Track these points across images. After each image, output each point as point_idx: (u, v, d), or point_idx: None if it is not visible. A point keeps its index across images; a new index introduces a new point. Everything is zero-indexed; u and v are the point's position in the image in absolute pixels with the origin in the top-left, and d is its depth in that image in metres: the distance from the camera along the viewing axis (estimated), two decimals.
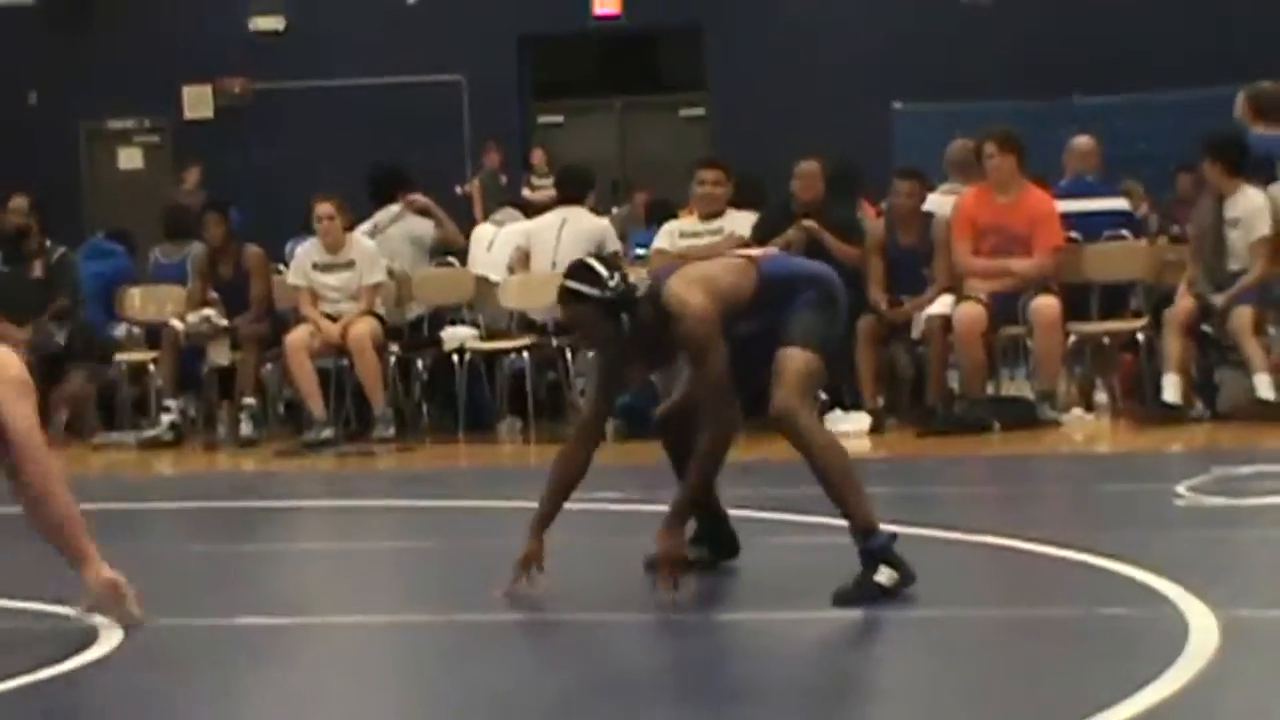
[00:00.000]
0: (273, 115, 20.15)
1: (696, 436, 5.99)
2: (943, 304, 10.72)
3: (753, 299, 5.94)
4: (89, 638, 5.59)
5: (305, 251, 11.61)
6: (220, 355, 11.64)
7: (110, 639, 5.60)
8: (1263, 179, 10.82)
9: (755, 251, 6.11)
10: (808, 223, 10.80)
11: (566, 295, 5.86)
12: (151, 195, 19.60)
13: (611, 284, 5.79)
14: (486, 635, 5.72)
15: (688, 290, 5.85)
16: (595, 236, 11.70)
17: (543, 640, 5.65)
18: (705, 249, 10.75)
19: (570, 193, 12.12)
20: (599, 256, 6.14)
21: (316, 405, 11.18)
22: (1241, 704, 4.55)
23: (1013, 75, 18.02)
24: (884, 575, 5.72)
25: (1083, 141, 11.94)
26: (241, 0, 20.56)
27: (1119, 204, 11.70)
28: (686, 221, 11.31)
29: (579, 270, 5.87)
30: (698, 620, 5.79)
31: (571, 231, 11.67)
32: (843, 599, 5.68)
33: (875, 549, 5.76)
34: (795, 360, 5.86)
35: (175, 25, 20.28)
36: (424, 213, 12.23)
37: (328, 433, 11.09)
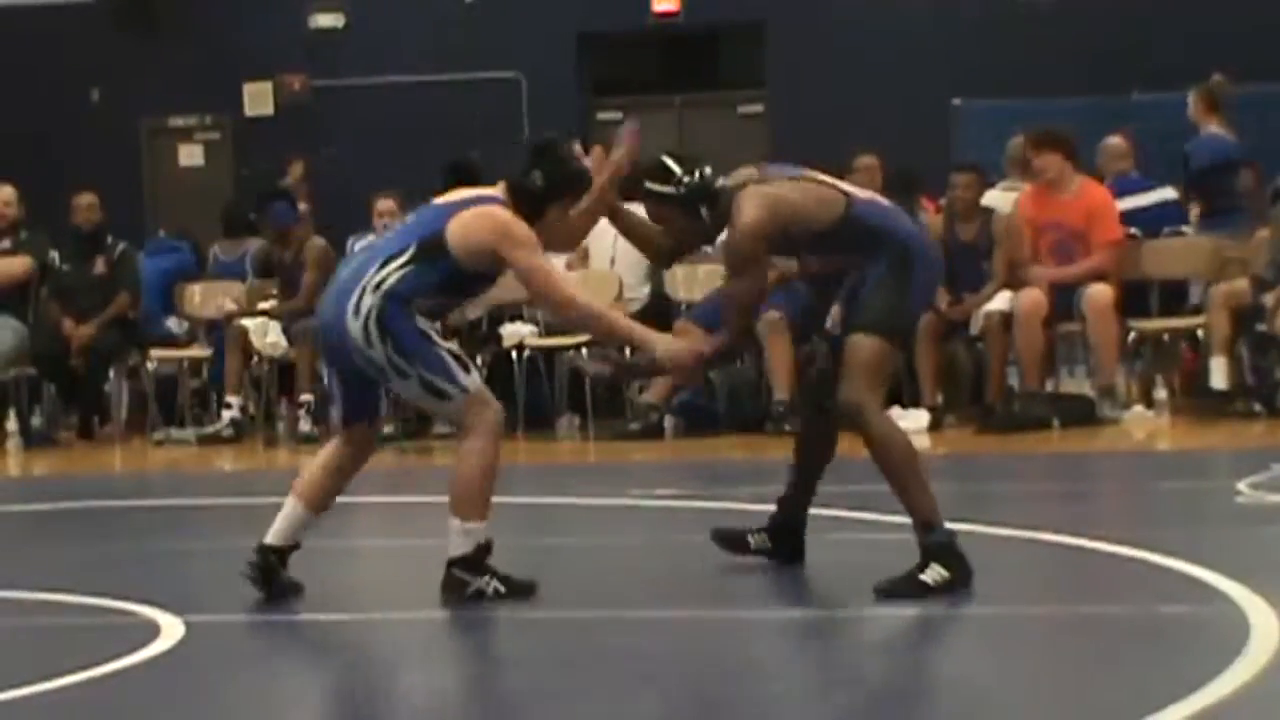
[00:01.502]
0: (332, 112, 20.21)
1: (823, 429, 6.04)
2: (1002, 300, 10.69)
3: (829, 233, 5.89)
4: (150, 634, 5.63)
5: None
6: (268, 336, 11.65)
7: (172, 634, 5.64)
8: (1224, 184, 10.96)
9: (856, 190, 6.03)
10: None
11: (646, 196, 6.05)
12: (212, 192, 19.69)
13: (686, 180, 5.97)
14: (543, 632, 5.73)
15: (749, 202, 5.88)
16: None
17: (599, 637, 5.65)
18: None
19: (626, 190, 12.08)
20: (675, 154, 6.19)
21: None
22: None
23: (1072, 72, 17.92)
24: (931, 574, 5.71)
25: (1116, 143, 11.76)
26: None
27: (1167, 194, 11.58)
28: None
29: (654, 169, 6.05)
30: (756, 617, 5.80)
31: None
32: (885, 592, 5.68)
33: (932, 545, 5.74)
34: (863, 350, 5.83)
35: (236, 23, 20.38)
36: None
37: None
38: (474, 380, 6.02)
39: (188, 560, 7.48)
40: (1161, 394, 10.92)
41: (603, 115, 21.27)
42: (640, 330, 6.11)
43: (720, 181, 6.01)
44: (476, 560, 6.03)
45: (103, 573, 7.01)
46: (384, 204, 11.54)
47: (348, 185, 17.61)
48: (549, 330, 11.80)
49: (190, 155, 21.53)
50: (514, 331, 11.69)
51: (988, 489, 8.78)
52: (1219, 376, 10.15)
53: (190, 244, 13.49)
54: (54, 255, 12.39)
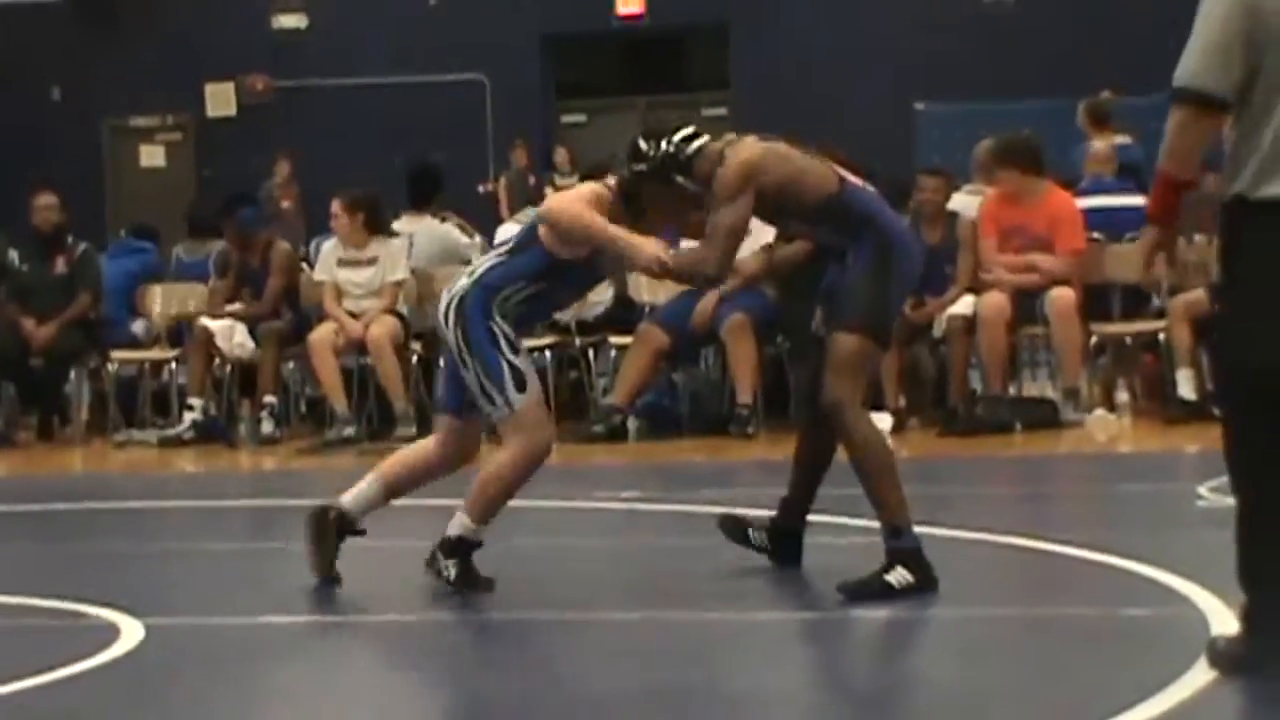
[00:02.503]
0: (295, 113, 20.18)
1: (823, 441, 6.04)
2: (965, 304, 10.71)
3: (819, 207, 5.90)
4: (109, 636, 5.60)
5: (331, 248, 11.63)
6: (233, 338, 11.63)
7: (132, 637, 5.61)
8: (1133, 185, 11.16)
9: (849, 175, 6.04)
10: None
11: (630, 179, 6.02)
12: (173, 192, 19.65)
13: (653, 154, 5.96)
14: (511, 633, 5.72)
15: (745, 148, 5.90)
16: None
17: (566, 639, 5.65)
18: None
19: None
20: (649, 129, 6.15)
21: (340, 402, 11.20)
22: (1260, 705, 4.54)
23: (1035, 75, 17.99)
24: (896, 576, 5.73)
25: (1101, 147, 11.97)
26: None
27: (1138, 200, 11.69)
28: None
29: (630, 151, 6.03)
30: (720, 619, 5.79)
31: None
32: (849, 591, 5.70)
33: (897, 549, 5.75)
34: (846, 346, 5.84)
35: (198, 23, 20.33)
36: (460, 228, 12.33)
37: (350, 430, 11.10)
38: (525, 400, 6.00)
39: (148, 562, 7.44)
40: (1123, 397, 10.95)
41: (567, 118, 21.28)
42: (619, 236, 5.97)
43: (697, 144, 5.96)
44: (455, 546, 6.10)
45: (62, 575, 6.97)
46: (333, 206, 11.51)
47: (311, 186, 17.59)
48: None
49: (152, 155, 21.48)
50: None
51: (950, 492, 8.79)
52: (1186, 387, 10.19)
53: (153, 242, 13.42)
54: (13, 255, 12.32)
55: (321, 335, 11.29)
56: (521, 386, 5.99)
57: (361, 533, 6.38)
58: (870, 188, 6.12)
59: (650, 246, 5.94)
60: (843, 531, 6.96)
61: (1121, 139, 12.52)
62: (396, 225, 11.95)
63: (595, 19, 20.30)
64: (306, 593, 6.64)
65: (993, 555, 6.67)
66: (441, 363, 6.43)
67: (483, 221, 13.76)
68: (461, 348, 6.02)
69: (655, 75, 21.19)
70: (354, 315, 11.38)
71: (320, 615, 6.12)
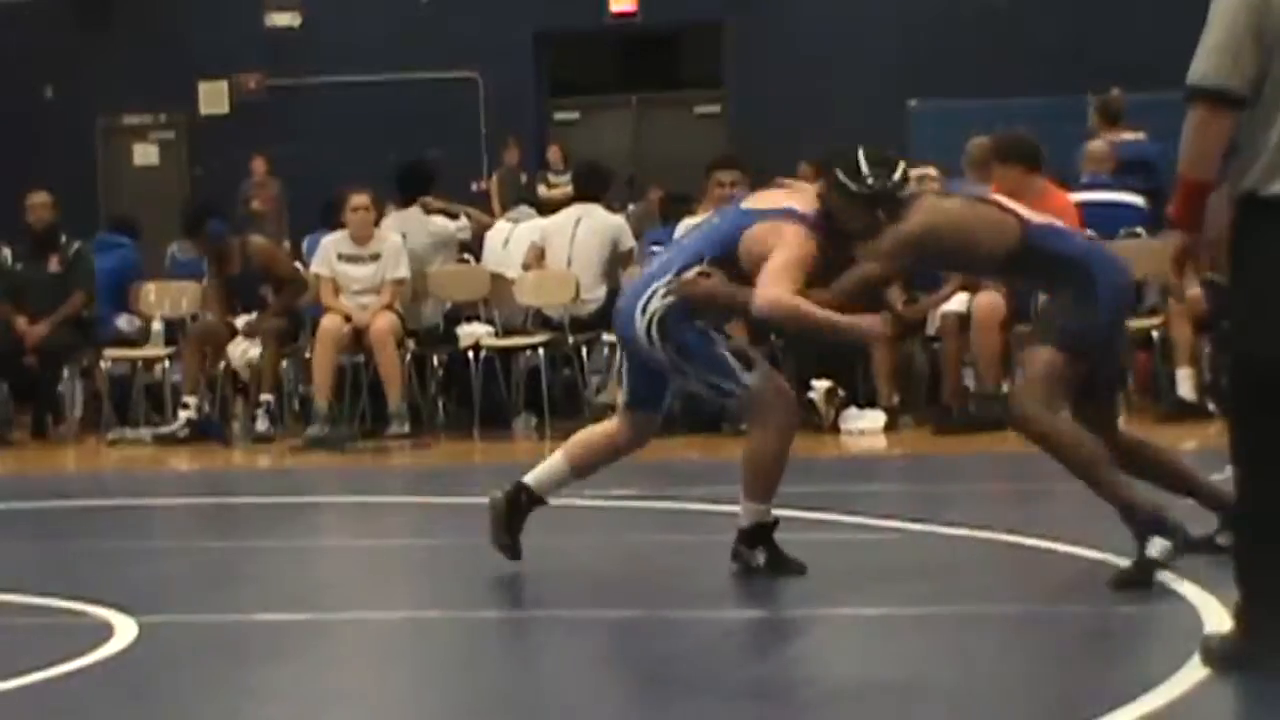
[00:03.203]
0: (288, 111, 20.16)
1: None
2: (958, 301, 10.71)
3: (999, 262, 5.98)
4: (103, 634, 5.60)
5: (332, 242, 11.60)
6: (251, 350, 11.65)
7: (125, 635, 5.61)
8: (1139, 183, 11.15)
9: (1031, 215, 6.08)
10: None
11: (832, 183, 6.05)
12: (166, 190, 19.64)
13: (872, 184, 6.00)
14: (501, 632, 5.72)
15: (919, 212, 5.97)
16: (611, 234, 11.73)
17: (558, 637, 5.65)
18: None
19: (589, 191, 12.14)
20: (872, 153, 6.11)
21: (324, 397, 11.17)
22: (1253, 703, 4.55)
23: (1028, 72, 17.99)
24: (1156, 547, 5.71)
25: (1098, 146, 11.99)
26: None
27: (1134, 199, 11.70)
28: (703, 218, 11.29)
29: (848, 162, 6.05)
30: (715, 617, 5.80)
31: (587, 228, 11.68)
32: (1123, 582, 5.69)
33: (1142, 522, 5.74)
34: (1040, 361, 5.88)
35: (191, 21, 20.31)
36: (444, 212, 12.27)
37: (326, 429, 11.07)
38: (756, 376, 6.08)
39: (142, 560, 7.44)
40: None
41: (560, 115, 21.27)
42: (833, 323, 6.05)
43: (907, 190, 6.06)
44: (753, 533, 6.15)
45: (55, 573, 6.97)
46: (359, 199, 11.50)
47: (305, 184, 17.58)
48: (505, 330, 11.79)
49: (145, 154, 21.46)
50: (470, 332, 11.67)
51: (943, 489, 8.79)
52: (1186, 386, 10.18)
53: (132, 237, 13.35)
54: (6, 253, 12.31)
55: (330, 327, 11.26)
56: (749, 366, 6.09)
57: (543, 502, 6.47)
58: (1056, 222, 6.18)
59: (866, 322, 6.09)
60: (835, 528, 6.97)
61: (1133, 135, 12.49)
62: (385, 222, 11.95)
63: (588, 17, 20.29)
64: (300, 591, 6.65)
65: (986, 552, 6.68)
66: (621, 362, 6.54)
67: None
68: (678, 361, 6.12)
69: (648, 73, 21.19)
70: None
71: (314, 613, 6.12)
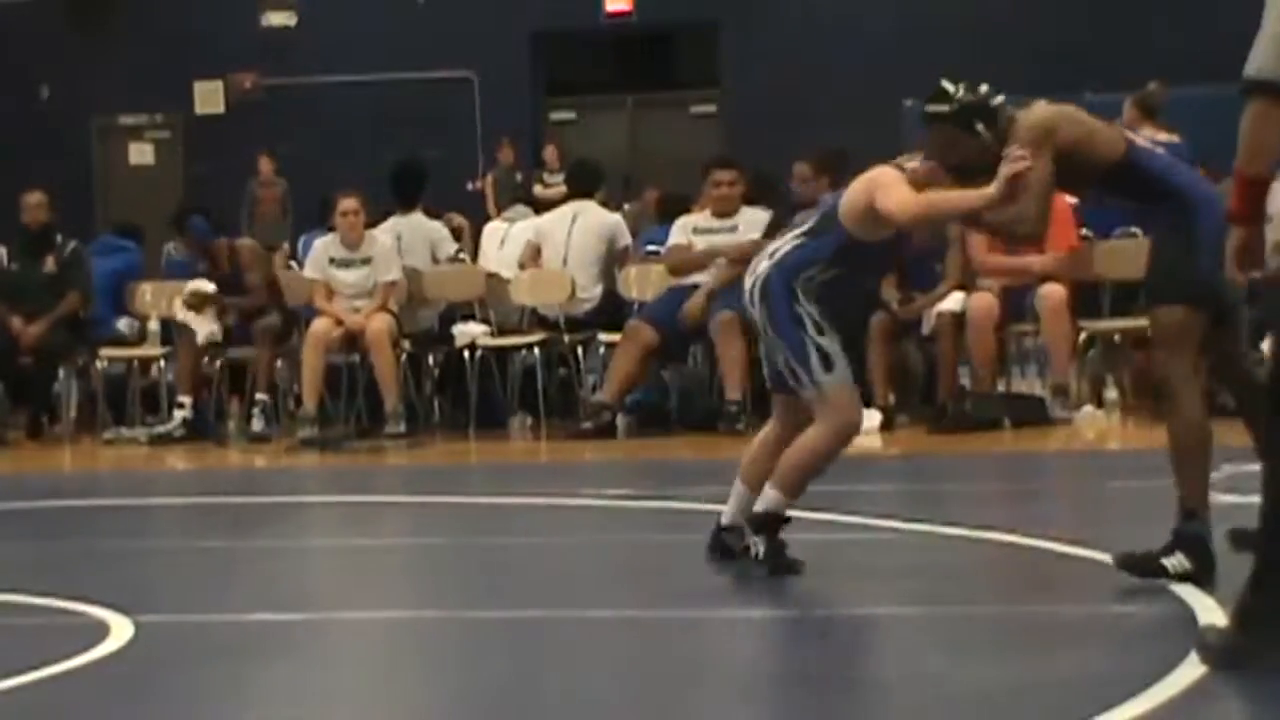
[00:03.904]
0: (284, 111, 20.16)
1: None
2: (954, 300, 10.72)
3: (1110, 172, 5.85)
4: (99, 634, 5.60)
5: (324, 246, 11.61)
6: (203, 327, 11.63)
7: (121, 635, 5.60)
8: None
9: (1134, 136, 6.04)
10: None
11: (926, 119, 6.01)
12: (162, 190, 19.62)
13: (960, 96, 5.94)
14: (496, 631, 5.72)
15: (1038, 109, 5.88)
16: (607, 232, 11.74)
17: (556, 636, 5.65)
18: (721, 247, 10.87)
19: (581, 188, 12.16)
20: (950, 79, 6.07)
21: (312, 400, 11.16)
22: (1250, 702, 4.55)
23: (1025, 72, 17.98)
24: (1174, 561, 5.64)
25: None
26: None
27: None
28: (699, 217, 11.32)
29: (933, 94, 6.00)
30: (710, 616, 5.80)
31: (582, 226, 11.69)
32: (1124, 563, 5.67)
33: (1182, 533, 5.67)
34: (1162, 320, 5.74)
35: (187, 21, 20.30)
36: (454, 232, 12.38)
37: (316, 430, 11.07)
38: (832, 379, 6.02)
39: (137, 560, 7.44)
40: (1112, 394, 10.96)
41: (555, 115, 21.27)
42: (961, 197, 5.98)
43: (998, 99, 5.94)
44: (763, 521, 6.11)
45: (52, 572, 6.97)
46: (348, 203, 11.50)
47: (300, 184, 17.58)
48: (501, 330, 11.79)
49: (141, 153, 21.44)
50: (465, 331, 11.67)
51: (940, 489, 8.79)
52: None
53: (136, 241, 13.38)
54: (2, 253, 12.31)
55: (319, 329, 11.26)
56: (829, 367, 6.03)
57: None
58: (1160, 150, 6.06)
59: (975, 192, 5.84)
60: (831, 528, 6.98)
61: (1168, 136, 12.27)
62: (387, 225, 11.94)
63: (584, 16, 20.28)
64: (295, 591, 6.65)
65: (981, 552, 6.68)
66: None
67: (471, 219, 13.75)
68: (767, 327, 6.11)
69: (644, 73, 21.18)
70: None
71: (310, 613, 6.12)
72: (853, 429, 6.12)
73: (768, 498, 6.13)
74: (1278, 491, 4.61)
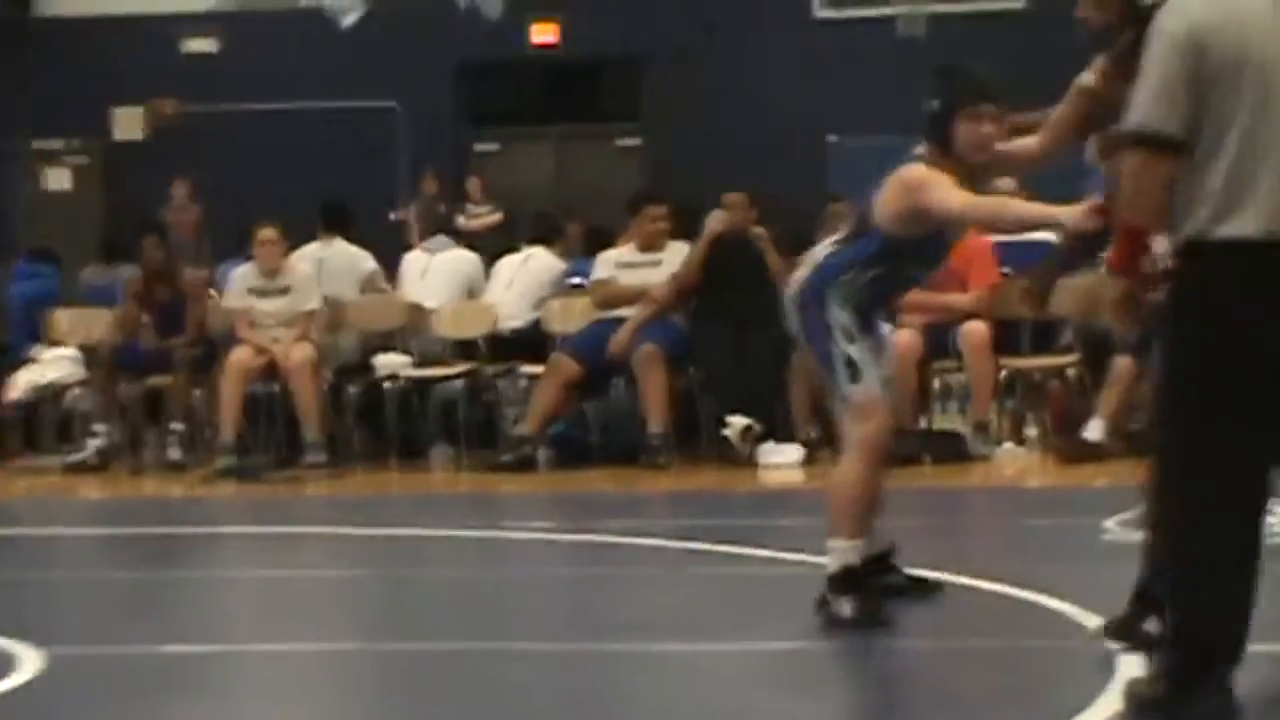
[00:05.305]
0: (205, 138, 20.02)
1: None
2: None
3: None
4: (9, 665, 5.52)
5: (242, 275, 11.55)
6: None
7: (31, 666, 5.52)
8: None
9: None
10: (758, 230, 10.93)
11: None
12: (80, 216, 19.44)
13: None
14: (412, 664, 5.68)
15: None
16: (552, 276, 11.93)
17: (472, 669, 5.61)
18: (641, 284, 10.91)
19: (540, 234, 12.49)
20: None
21: (230, 430, 11.08)
22: None
23: None
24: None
25: (1004, 183, 11.93)
26: (174, 22, 20.45)
27: (1048, 235, 11.73)
28: (624, 251, 11.34)
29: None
30: (625, 650, 5.77)
31: (532, 268, 11.95)
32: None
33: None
34: None
35: (107, 47, 20.14)
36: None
37: (234, 460, 10.99)
38: (858, 390, 5.82)
39: (49, 591, 7.35)
40: (1032, 431, 11.01)
41: (479, 146, 21.22)
42: (1039, 209, 5.93)
43: None
44: (842, 580, 5.81)
45: None
46: (266, 232, 11.45)
47: (220, 212, 17.47)
48: (423, 361, 11.74)
49: (58, 179, 21.24)
50: (387, 362, 11.62)
51: None
52: (1095, 431, 10.16)
53: (54, 266, 13.24)
54: None
55: (239, 359, 11.18)
56: (856, 377, 5.84)
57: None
58: None
59: (1066, 211, 5.53)
60: (741, 561, 6.96)
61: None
62: (309, 249, 11.92)
63: (509, 47, 20.26)
64: (210, 622, 6.58)
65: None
66: None
67: (393, 250, 13.68)
68: (800, 336, 5.99)
69: (569, 105, 21.16)
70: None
71: (225, 645, 6.05)
72: (882, 437, 5.84)
73: (837, 552, 5.82)
74: (1183, 545, 4.60)
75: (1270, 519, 4.66)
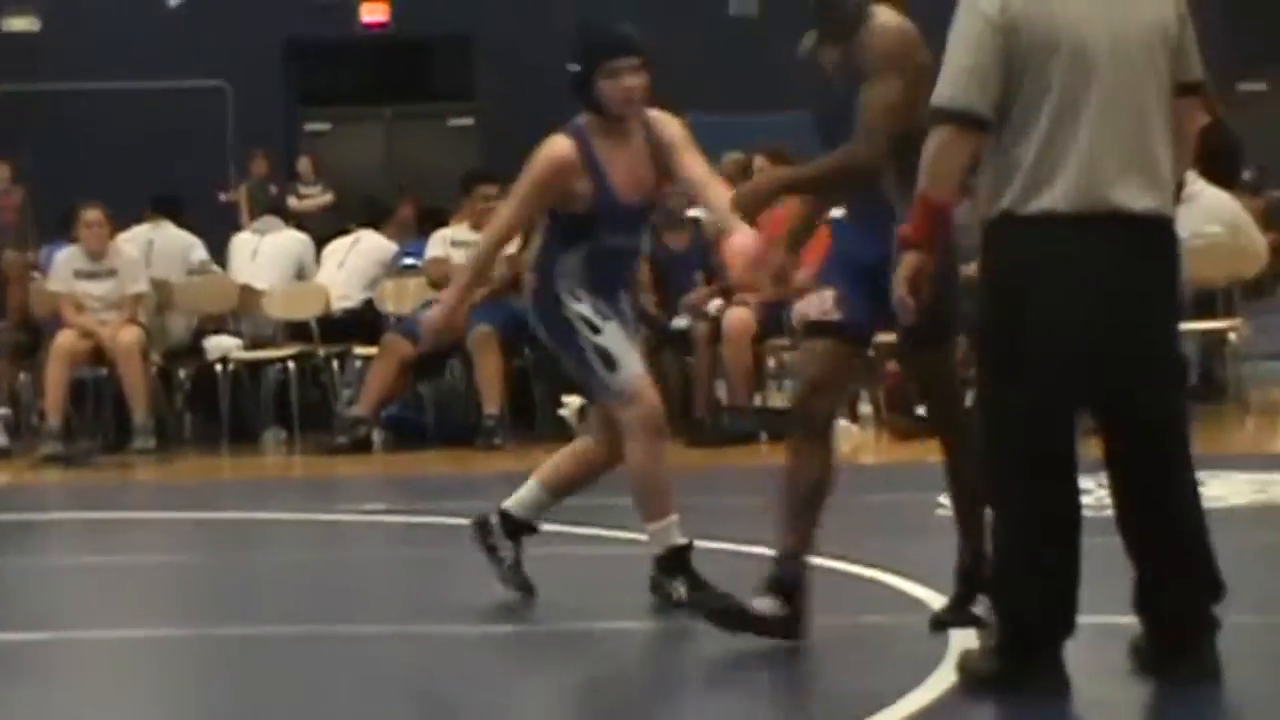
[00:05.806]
0: (27, 119, 19.64)
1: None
2: (714, 307, 10.83)
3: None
4: None
5: (67, 258, 11.37)
6: None
7: None
8: None
9: None
10: None
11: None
12: None
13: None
14: (246, 650, 5.62)
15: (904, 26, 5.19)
16: (382, 255, 11.87)
17: (302, 654, 5.55)
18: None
19: (368, 218, 12.49)
20: None
21: (57, 416, 10.89)
22: (999, 710, 4.61)
23: (786, 86, 18.18)
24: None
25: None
26: None
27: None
28: (458, 229, 11.29)
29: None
30: (468, 632, 5.75)
31: (360, 250, 11.89)
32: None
33: None
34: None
35: None
36: None
37: (60, 446, 10.80)
38: (620, 378, 5.65)
39: None
40: (866, 409, 11.11)
41: (310, 126, 21.03)
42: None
43: None
44: (670, 562, 5.76)
45: None
46: (92, 214, 11.28)
47: (43, 194, 17.14)
48: (253, 343, 11.62)
49: None
50: (217, 345, 11.49)
51: (696, 502, 8.75)
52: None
53: None
54: None
55: (64, 343, 11.00)
56: (612, 366, 5.66)
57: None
58: None
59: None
60: (570, 540, 6.96)
61: None
62: (137, 230, 11.78)
63: (339, 26, 20.09)
64: (38, 609, 6.46)
65: (734, 565, 6.70)
66: None
67: (224, 230, 13.52)
68: (553, 346, 5.80)
69: (400, 84, 21.04)
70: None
71: (52, 632, 5.95)
72: (656, 415, 5.70)
73: (653, 535, 5.77)
74: (1003, 521, 4.66)
75: (1099, 492, 4.74)
